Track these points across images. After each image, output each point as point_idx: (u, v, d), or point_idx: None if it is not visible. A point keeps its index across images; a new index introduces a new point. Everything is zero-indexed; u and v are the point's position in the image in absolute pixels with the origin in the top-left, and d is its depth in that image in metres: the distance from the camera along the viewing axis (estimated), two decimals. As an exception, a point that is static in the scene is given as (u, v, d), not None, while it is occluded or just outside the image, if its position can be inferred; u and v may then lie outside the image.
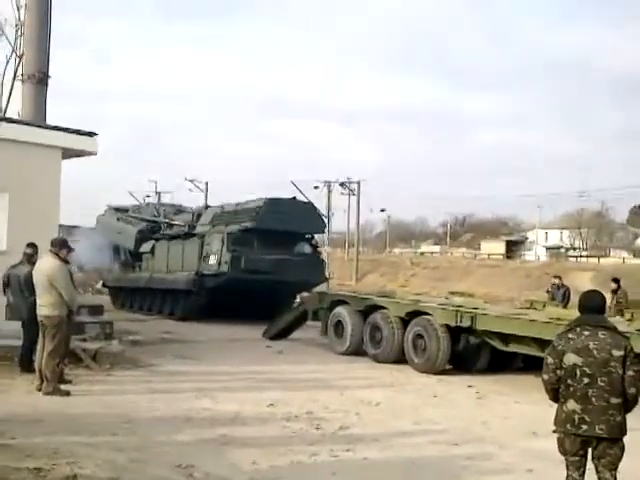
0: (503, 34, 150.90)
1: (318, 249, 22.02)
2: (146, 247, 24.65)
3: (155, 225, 25.12)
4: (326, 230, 51.95)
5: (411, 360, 13.14)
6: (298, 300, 19.83)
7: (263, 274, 19.39)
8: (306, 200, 22.03)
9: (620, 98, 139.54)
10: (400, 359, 13.39)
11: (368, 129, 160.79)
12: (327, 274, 43.80)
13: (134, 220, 26.26)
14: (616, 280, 17.64)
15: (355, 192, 56.78)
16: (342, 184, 55.96)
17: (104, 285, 27.64)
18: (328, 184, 54.09)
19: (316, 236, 22.52)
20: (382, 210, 76.97)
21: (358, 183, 56.49)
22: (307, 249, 21.36)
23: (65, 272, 9.59)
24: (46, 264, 9.36)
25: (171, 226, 24.17)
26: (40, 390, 9.17)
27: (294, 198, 21.61)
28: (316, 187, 53.23)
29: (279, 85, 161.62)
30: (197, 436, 7.36)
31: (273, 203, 20.37)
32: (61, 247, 9.59)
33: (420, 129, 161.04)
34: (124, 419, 7.90)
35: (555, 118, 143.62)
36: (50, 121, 16.25)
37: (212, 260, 20.32)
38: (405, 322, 13.51)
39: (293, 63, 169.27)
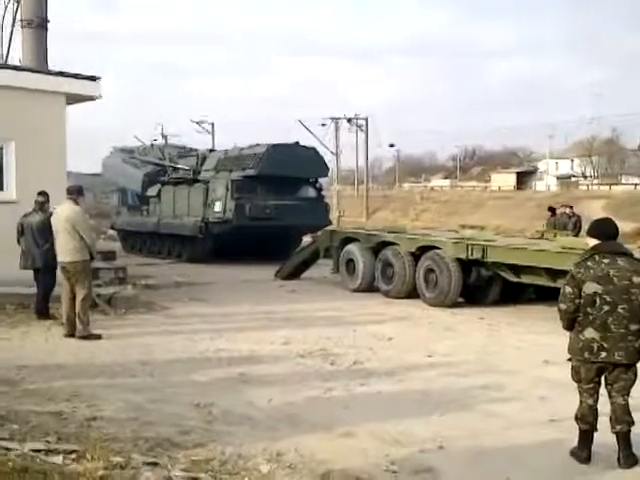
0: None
1: (322, 193, 22.16)
2: (153, 191, 24.76)
3: (161, 168, 25.07)
4: (334, 168, 52.17)
5: (423, 295, 13.22)
6: (305, 242, 20.14)
7: (268, 220, 19.72)
8: (309, 145, 21.92)
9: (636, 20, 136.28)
10: (412, 294, 13.47)
11: (379, 65, 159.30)
12: (339, 212, 44.08)
13: (140, 163, 26.17)
14: (551, 208, 18.87)
15: (363, 128, 56.30)
16: (349, 120, 55.39)
17: (112, 228, 27.73)
18: (335, 121, 53.61)
19: (324, 176, 22.58)
20: (391, 145, 76.66)
21: (366, 119, 55.95)
22: (311, 193, 21.55)
23: (86, 217, 9.81)
24: (67, 210, 9.45)
25: (176, 170, 24.17)
26: (69, 337, 9.37)
27: (297, 143, 21.53)
28: (323, 124, 52.87)
29: (291, 23, 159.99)
30: (214, 375, 7.50)
31: (276, 149, 20.46)
32: (79, 194, 9.75)
33: (431, 63, 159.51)
34: (142, 361, 8.05)
35: (568, 46, 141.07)
36: (53, 67, 16.11)
37: (217, 207, 20.60)
38: (416, 257, 13.55)
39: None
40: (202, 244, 21.19)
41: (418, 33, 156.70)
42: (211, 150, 25.46)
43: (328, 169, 22.74)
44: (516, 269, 12.12)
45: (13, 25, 19.50)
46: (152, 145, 28.43)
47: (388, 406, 6.55)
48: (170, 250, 22.96)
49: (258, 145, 21.33)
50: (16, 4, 19.29)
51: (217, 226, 20.60)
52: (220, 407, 6.29)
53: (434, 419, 6.12)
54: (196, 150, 26.08)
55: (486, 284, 13.06)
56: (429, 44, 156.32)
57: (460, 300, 13.02)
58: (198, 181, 22.32)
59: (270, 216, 19.76)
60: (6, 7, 20.55)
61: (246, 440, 5.43)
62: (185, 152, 26.44)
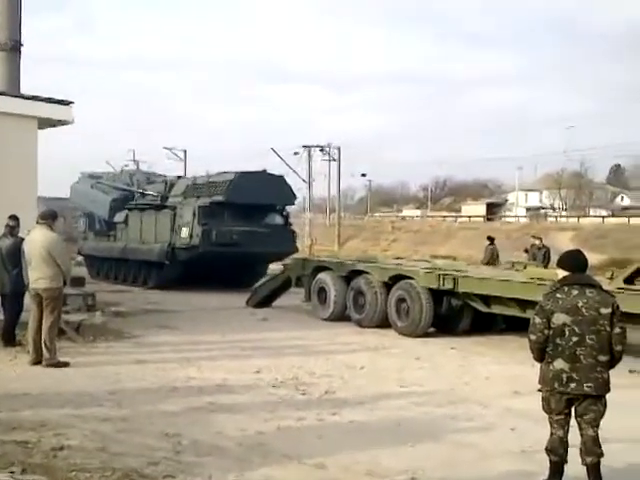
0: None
1: (289, 220, 22.44)
2: (120, 217, 24.79)
3: (129, 194, 25.16)
4: (306, 197, 52.34)
5: (394, 324, 13.24)
6: (272, 269, 20.41)
7: (234, 246, 19.87)
8: (276, 174, 22.25)
9: (610, 54, 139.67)
10: (384, 323, 13.48)
11: (356, 95, 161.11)
12: (311, 240, 44.19)
13: (108, 188, 26.20)
14: (490, 238, 19.89)
15: (336, 157, 56.60)
16: (322, 149, 55.66)
17: (79, 253, 27.59)
18: (308, 149, 53.83)
19: (291, 204, 22.97)
20: (363, 175, 77.37)
21: (338, 148, 56.15)
22: (278, 220, 21.78)
23: (62, 244, 9.67)
24: (42, 236, 9.28)
25: (144, 195, 24.23)
26: (36, 364, 9.19)
27: (264, 171, 21.99)
28: (296, 153, 53.08)
29: (264, 51, 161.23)
30: (184, 405, 7.40)
31: (243, 177, 20.74)
32: (53, 219, 9.59)
33: (404, 94, 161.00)
34: (110, 390, 7.92)
35: (540, 77, 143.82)
36: (25, 91, 16.00)
37: (184, 233, 20.70)
38: (388, 286, 13.58)
39: (278, 28, 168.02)
40: (169, 270, 21.24)
41: (393, 64, 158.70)
42: (179, 177, 25.81)
43: (295, 197, 23.11)
44: (486, 299, 12.20)
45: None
46: (121, 171, 28.59)
47: (360, 436, 6.51)
48: (136, 276, 22.94)
49: (226, 173, 21.65)
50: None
51: (184, 252, 20.69)
52: (189, 437, 6.20)
53: (406, 450, 6.09)
54: (164, 177, 26.33)
55: (457, 314, 13.12)
56: (403, 75, 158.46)
57: (431, 330, 13.06)
58: (165, 207, 22.41)
59: (236, 242, 19.93)
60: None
61: (215, 471, 5.36)
62: (153, 178, 26.61)
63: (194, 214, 20.54)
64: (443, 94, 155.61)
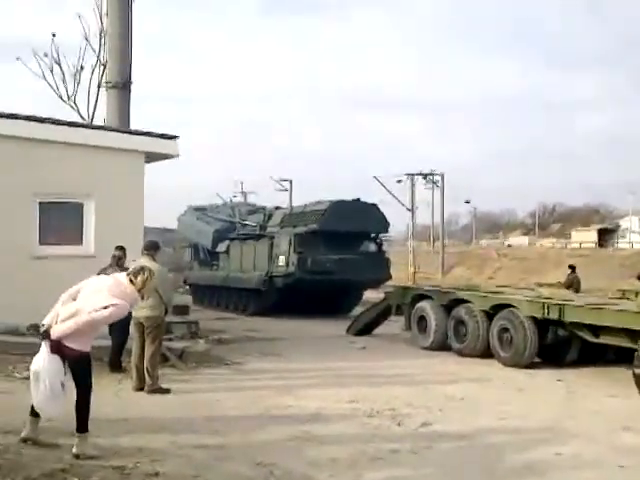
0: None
1: (382, 248, 22.64)
2: (222, 247, 25.74)
3: (230, 225, 26.06)
4: (410, 224, 51.96)
5: (497, 354, 12.84)
6: (369, 297, 20.79)
7: (329, 274, 20.24)
8: (370, 202, 22.53)
9: None
10: (486, 353, 13.13)
11: (456, 120, 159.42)
12: (414, 268, 43.83)
13: (211, 220, 27.15)
14: (571, 266, 20.39)
15: (439, 185, 56.04)
16: (425, 177, 55.27)
17: (184, 282, 28.57)
18: (411, 177, 53.49)
19: (385, 231, 23.16)
20: (467, 202, 76.16)
21: (442, 175, 55.68)
22: (372, 248, 22.06)
23: (164, 274, 9.90)
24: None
25: (245, 226, 25.04)
26: (139, 390, 9.42)
27: (358, 199, 22.17)
28: (399, 181, 52.85)
29: (364, 81, 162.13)
30: (278, 433, 7.37)
31: (337, 205, 21.26)
32: (156, 250, 9.89)
33: (509, 118, 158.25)
34: (207, 417, 7.99)
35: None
36: (136, 125, 16.75)
37: (281, 261, 21.29)
38: (490, 315, 13.23)
39: (376, 59, 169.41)
40: (266, 297, 21.80)
41: (495, 87, 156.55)
42: (277, 207, 26.54)
43: (389, 224, 23.25)
44: (595, 329, 11.63)
45: (99, 86, 20.37)
46: (224, 203, 29.62)
47: (456, 471, 6.28)
48: (237, 303, 23.61)
49: (320, 202, 22.18)
50: (102, 67, 20.15)
51: (281, 279, 21.26)
52: (282, 467, 6.14)
53: (504, 487, 5.82)
54: (264, 207, 27.17)
55: (564, 344, 12.57)
56: (506, 98, 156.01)
57: (536, 360, 12.57)
58: (264, 236, 23.07)
59: (331, 270, 20.26)
60: (93, 70, 21.52)
61: (306, 502, 5.28)
62: (254, 209, 27.80)
63: (290, 243, 21.09)
64: (547, 117, 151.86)
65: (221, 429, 7.50)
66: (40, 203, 12.68)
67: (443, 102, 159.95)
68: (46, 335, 6.20)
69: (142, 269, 6.68)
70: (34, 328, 6.42)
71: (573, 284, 19.03)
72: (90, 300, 6.24)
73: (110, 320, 6.63)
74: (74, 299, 6.39)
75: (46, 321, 6.30)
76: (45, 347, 6.20)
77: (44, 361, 6.16)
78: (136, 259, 9.96)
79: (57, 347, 6.18)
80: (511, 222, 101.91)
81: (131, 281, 6.55)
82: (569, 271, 20.06)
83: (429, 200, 58.58)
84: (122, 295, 6.35)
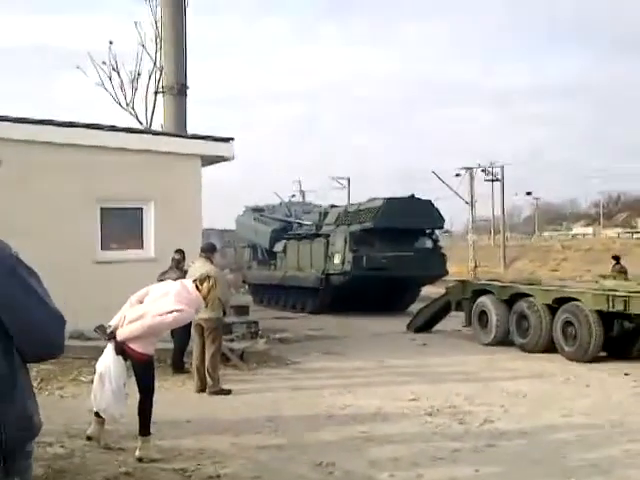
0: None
1: (438, 244, 22.58)
2: (279, 246, 25.91)
3: (287, 225, 26.35)
4: (469, 218, 51.31)
5: (561, 348, 12.56)
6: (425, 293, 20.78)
7: (384, 271, 20.23)
8: (424, 198, 22.39)
9: None
10: (549, 348, 12.85)
11: (514, 110, 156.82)
12: (475, 263, 43.31)
13: (269, 220, 27.41)
14: (616, 257, 20.06)
15: (499, 177, 55.20)
16: (484, 170, 54.52)
17: (244, 282, 28.93)
18: (470, 171, 52.80)
19: (440, 227, 23.23)
20: (528, 193, 74.62)
21: (502, 167, 54.91)
22: (427, 244, 21.98)
23: (221, 276, 9.99)
24: (202, 268, 9.59)
25: (301, 225, 25.35)
26: (200, 392, 9.53)
27: (412, 196, 22.06)
28: (458, 175, 52.24)
29: (425, 74, 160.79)
30: (338, 433, 7.36)
31: (391, 202, 21.23)
32: (213, 252, 10.04)
33: (567, 106, 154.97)
34: (268, 417, 8.03)
35: None
36: (192, 129, 16.94)
37: (337, 259, 21.37)
38: (553, 309, 12.94)
39: (438, 51, 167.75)
40: (323, 296, 21.91)
41: (554, 76, 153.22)
42: (332, 206, 26.50)
43: (444, 220, 23.14)
44: (663, 321, 11.29)
45: (156, 92, 20.67)
46: (280, 203, 29.92)
47: (519, 470, 6.16)
48: (295, 302, 23.80)
49: (375, 199, 22.20)
50: (159, 73, 20.46)
51: (336, 278, 21.40)
52: (342, 467, 6.13)
53: (569, 486, 5.69)
54: (319, 206, 27.45)
55: (630, 337, 12.23)
56: (565, 87, 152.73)
57: (602, 354, 12.26)
58: (319, 235, 23.21)
59: (386, 267, 20.26)
60: (150, 76, 21.88)
61: (366, 503, 5.25)
62: (309, 208, 28.06)
63: (345, 241, 21.17)
64: (607, 106, 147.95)
65: (282, 429, 7.54)
66: (102, 209, 12.96)
67: (503, 90, 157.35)
68: (112, 336, 6.34)
69: (208, 277, 6.80)
70: (101, 329, 6.53)
71: (618, 276, 18.11)
72: (156, 304, 6.36)
73: (174, 325, 6.74)
74: (141, 302, 6.51)
75: (113, 322, 6.44)
76: (110, 348, 6.34)
77: (110, 362, 6.29)
78: (194, 261, 10.11)
79: (121, 349, 6.30)
80: (574, 213, 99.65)
81: (197, 287, 6.66)
82: (613, 262, 19.56)
83: (489, 194, 57.79)
84: (187, 301, 6.45)
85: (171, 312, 6.27)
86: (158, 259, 12.31)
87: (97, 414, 6.46)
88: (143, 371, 6.40)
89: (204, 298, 6.75)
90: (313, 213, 25.96)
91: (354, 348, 13.99)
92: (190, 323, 10.24)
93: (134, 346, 6.27)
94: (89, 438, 6.46)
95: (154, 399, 6.49)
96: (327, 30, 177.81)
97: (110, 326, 6.43)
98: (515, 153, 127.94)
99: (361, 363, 12.10)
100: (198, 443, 6.83)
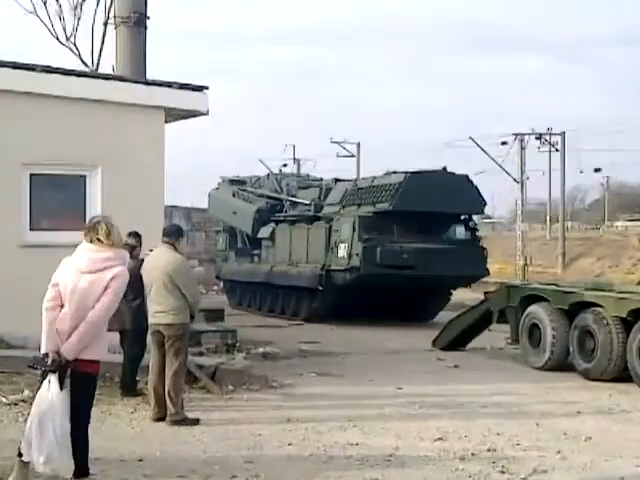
0: None
1: (477, 234, 22.62)
2: (265, 231, 25.78)
3: (277, 203, 26.07)
4: (518, 201, 51.43)
5: (637, 376, 12.62)
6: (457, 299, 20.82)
7: (406, 268, 20.14)
8: (459, 173, 22.34)
9: None
10: (623, 375, 12.98)
11: (580, 64, 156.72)
12: (525, 260, 43.43)
13: (252, 196, 27.22)
14: None
15: (559, 148, 55.27)
16: (539, 137, 54.59)
17: (217, 277, 28.89)
18: (520, 138, 52.95)
19: (479, 212, 23.54)
20: (596, 170, 74.72)
21: (563, 134, 54.92)
22: (462, 234, 21.97)
23: (188, 268, 9.95)
24: (164, 259, 9.54)
25: (295, 204, 24.98)
26: (158, 420, 9.54)
27: (444, 169, 22.15)
28: (504, 143, 52.38)
29: (462, 13, 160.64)
30: (340, 481, 7.40)
31: (416, 178, 21.10)
32: (178, 236, 9.81)
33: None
34: (246, 457, 8.05)
35: None
36: (153, 73, 16.91)
37: (341, 251, 21.23)
38: (628, 324, 12.99)
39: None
40: (323, 299, 21.92)
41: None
42: (337, 180, 26.22)
43: (485, 203, 23.26)
44: None
45: (105, 24, 20.65)
46: (269, 175, 29.54)
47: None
48: (284, 306, 23.87)
49: (395, 173, 22.03)
50: (109, -1, 20.45)
51: (341, 275, 21.28)
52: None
53: None
54: (320, 180, 27.10)
55: None
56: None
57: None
58: (319, 219, 23.12)
59: (409, 263, 20.17)
60: (97, 3, 21.84)
61: None
62: (306, 183, 27.54)
63: (354, 227, 21.04)
64: None
65: (264, 474, 7.55)
66: (31, 176, 12.94)
67: (563, 41, 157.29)
68: (59, 363, 6.16)
69: (97, 222, 6.48)
70: (38, 361, 6.33)
71: None
72: (83, 289, 6.21)
73: (119, 296, 6.50)
74: (62, 302, 6.34)
75: (48, 346, 6.22)
76: (53, 382, 6.15)
77: (55, 401, 6.10)
78: (153, 248, 10.08)
79: (74, 369, 6.18)
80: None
81: (102, 243, 6.35)
82: None
83: (545, 169, 57.83)
84: (109, 263, 6.26)
85: (107, 287, 6.14)
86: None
87: (21, 455, 6.38)
88: (86, 391, 6.35)
89: (116, 245, 6.47)
90: (312, 189, 25.81)
91: (362, 369, 14.09)
92: (145, 330, 10.28)
93: (87, 356, 6.19)
94: None
95: (91, 428, 6.43)
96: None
97: (47, 354, 6.21)
98: (580, 117, 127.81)
99: (371, 389, 12.18)
100: (154, 489, 6.86)
